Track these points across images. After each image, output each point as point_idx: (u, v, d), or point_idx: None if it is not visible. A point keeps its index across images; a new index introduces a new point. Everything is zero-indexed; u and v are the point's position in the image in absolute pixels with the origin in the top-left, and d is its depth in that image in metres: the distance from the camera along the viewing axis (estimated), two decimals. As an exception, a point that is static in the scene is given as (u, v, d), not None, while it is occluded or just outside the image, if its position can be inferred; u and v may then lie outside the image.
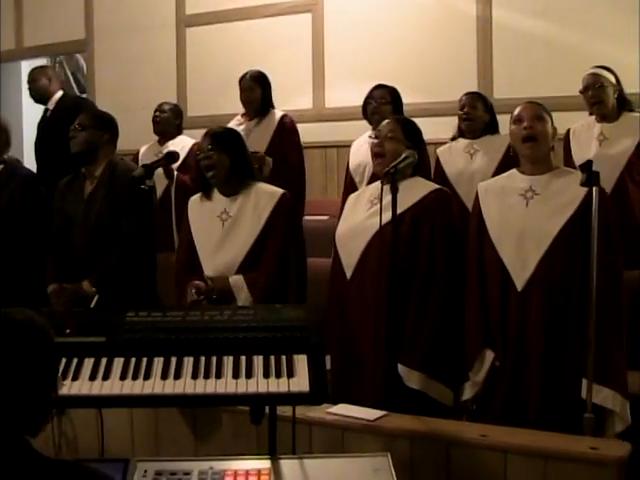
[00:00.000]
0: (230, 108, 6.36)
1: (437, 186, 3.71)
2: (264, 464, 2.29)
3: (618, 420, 3.15)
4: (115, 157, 4.34)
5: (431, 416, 3.01)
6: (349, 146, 5.60)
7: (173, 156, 4.04)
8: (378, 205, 3.39)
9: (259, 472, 2.25)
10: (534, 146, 3.35)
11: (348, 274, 3.61)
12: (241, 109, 5.88)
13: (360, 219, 3.64)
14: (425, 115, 5.32)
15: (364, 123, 5.41)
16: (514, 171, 3.49)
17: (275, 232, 3.81)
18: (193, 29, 7.76)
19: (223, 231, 3.87)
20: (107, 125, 4.35)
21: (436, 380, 3.42)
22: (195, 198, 4.06)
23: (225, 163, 3.86)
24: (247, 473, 2.24)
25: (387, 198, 3.31)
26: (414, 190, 3.62)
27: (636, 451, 2.95)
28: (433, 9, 6.65)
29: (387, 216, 3.33)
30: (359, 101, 5.46)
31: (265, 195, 3.89)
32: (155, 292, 4.13)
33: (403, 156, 3.46)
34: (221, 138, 3.93)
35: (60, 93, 6.42)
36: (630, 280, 4.15)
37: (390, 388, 3.27)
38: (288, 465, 2.29)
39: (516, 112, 3.45)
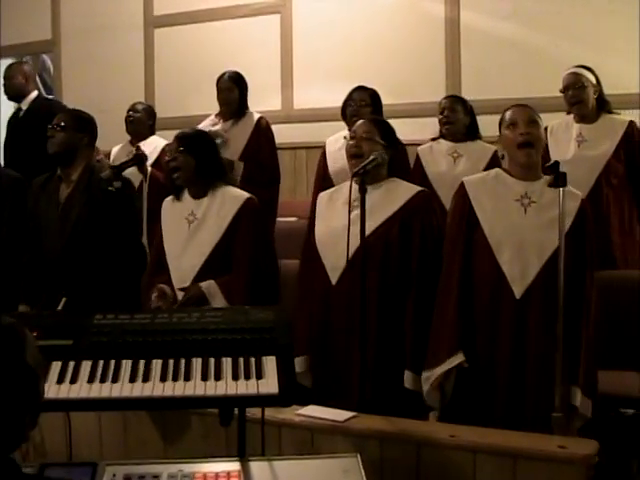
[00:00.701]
0: (199, 109, 6.36)
1: (419, 188, 3.72)
2: (233, 466, 2.28)
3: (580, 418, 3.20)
4: (93, 160, 4.26)
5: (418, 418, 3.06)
6: (318, 147, 5.59)
7: (141, 157, 4.03)
8: (360, 209, 3.35)
9: (228, 474, 2.23)
10: (531, 152, 3.32)
11: (334, 279, 3.58)
12: (210, 110, 5.85)
13: (342, 223, 3.47)
14: (394, 116, 5.32)
15: (333, 124, 5.41)
16: (501, 172, 3.45)
17: (242, 236, 3.81)
18: (161, 30, 7.73)
19: (189, 233, 3.87)
20: (87, 127, 4.24)
21: None
22: (168, 199, 4.07)
23: (190, 165, 3.86)
24: (217, 475, 2.23)
25: (370, 201, 3.35)
26: (397, 192, 3.64)
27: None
28: (401, 10, 6.67)
29: (374, 221, 3.42)
30: (328, 102, 5.47)
31: (230, 198, 3.89)
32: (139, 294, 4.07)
33: (371, 157, 3.47)
34: (187, 140, 3.92)
35: (35, 93, 6.36)
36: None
37: (379, 391, 3.38)
38: (257, 467, 2.28)
39: (508, 116, 3.40)
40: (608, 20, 5.92)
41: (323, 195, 3.90)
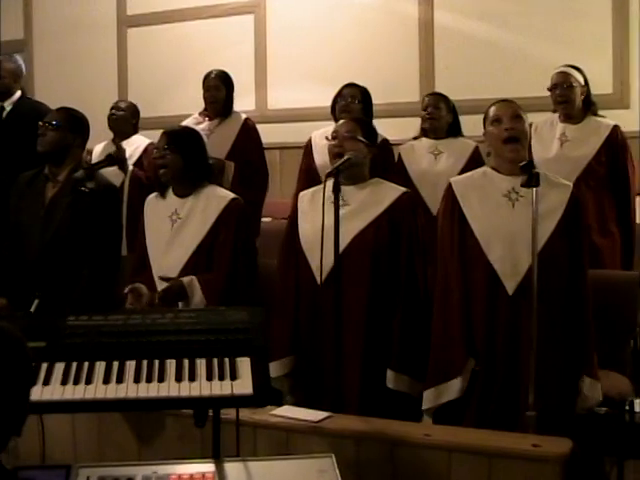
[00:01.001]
0: (173, 109, 6.35)
1: (403, 189, 3.72)
2: (208, 467, 2.27)
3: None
4: (82, 162, 4.19)
5: (407, 419, 3.08)
6: (292, 147, 5.59)
7: (113, 158, 3.99)
8: (348, 208, 3.41)
9: (203, 476, 2.23)
10: (517, 147, 3.28)
11: (319, 279, 3.49)
12: (184, 110, 5.84)
13: (329, 222, 3.35)
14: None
15: (308, 124, 5.42)
16: (488, 169, 3.42)
17: (224, 236, 3.79)
18: (134, 29, 7.70)
19: (172, 232, 3.85)
20: (80, 128, 4.16)
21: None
22: (151, 197, 4.04)
23: (177, 163, 3.82)
24: (191, 477, 2.22)
25: (356, 201, 3.42)
26: (383, 193, 3.65)
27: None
28: (376, 11, 6.69)
29: (362, 221, 3.44)
30: (303, 102, 5.47)
31: (215, 199, 3.86)
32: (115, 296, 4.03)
33: (345, 157, 3.47)
34: (176, 138, 3.89)
35: (19, 93, 6.20)
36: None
37: (370, 391, 3.41)
38: (232, 468, 2.27)
39: (492, 112, 3.37)
40: (582, 21, 5.97)
41: (303, 195, 3.86)
